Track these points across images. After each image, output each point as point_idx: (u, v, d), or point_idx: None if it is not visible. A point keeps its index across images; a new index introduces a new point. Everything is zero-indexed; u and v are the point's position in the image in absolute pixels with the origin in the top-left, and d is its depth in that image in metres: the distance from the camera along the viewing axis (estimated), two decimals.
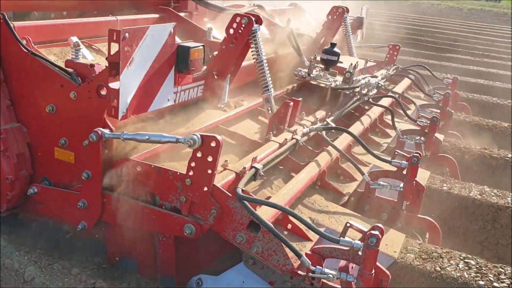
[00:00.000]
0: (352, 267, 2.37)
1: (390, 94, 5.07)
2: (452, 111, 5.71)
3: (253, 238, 2.45)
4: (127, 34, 2.33)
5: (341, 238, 2.33)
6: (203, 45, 2.92)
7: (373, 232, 2.24)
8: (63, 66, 2.75)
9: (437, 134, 4.78)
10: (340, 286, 2.35)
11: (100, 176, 2.65)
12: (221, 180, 2.63)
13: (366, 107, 4.88)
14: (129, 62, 2.41)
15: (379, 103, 4.77)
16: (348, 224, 2.41)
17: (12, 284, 2.75)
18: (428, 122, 4.47)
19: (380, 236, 2.23)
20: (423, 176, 4.09)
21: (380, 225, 2.32)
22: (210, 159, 2.39)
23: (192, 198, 2.50)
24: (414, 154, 3.33)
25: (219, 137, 2.36)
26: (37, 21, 3.59)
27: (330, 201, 3.21)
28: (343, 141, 3.77)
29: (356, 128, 4.20)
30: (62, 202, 2.83)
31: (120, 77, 2.37)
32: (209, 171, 2.41)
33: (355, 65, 4.58)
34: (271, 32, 5.31)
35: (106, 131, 2.57)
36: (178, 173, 2.50)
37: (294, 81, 4.71)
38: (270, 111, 3.70)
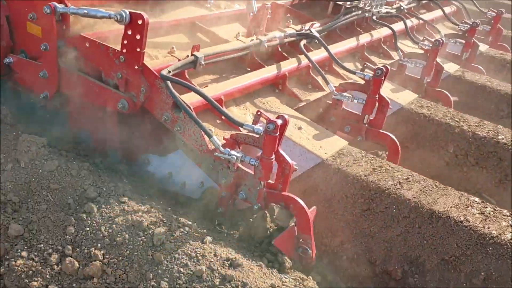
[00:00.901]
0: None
1: (398, 15, 4.79)
2: (479, 44, 5.32)
3: (176, 118, 2.60)
4: None
5: (246, 123, 2.42)
6: None
7: (273, 119, 2.30)
8: None
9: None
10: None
11: (55, 48, 2.87)
12: (161, 64, 2.76)
13: (378, 27, 4.70)
14: None
15: (387, 23, 4.56)
16: (258, 113, 2.48)
17: None
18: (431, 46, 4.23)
19: (278, 123, 2.30)
20: (407, 97, 3.97)
21: (286, 116, 2.37)
22: (138, 37, 2.51)
23: (126, 75, 2.66)
24: (379, 67, 3.24)
25: (145, 15, 2.46)
26: None
27: (284, 104, 3.25)
28: (322, 52, 3.71)
29: (348, 43, 4.10)
30: (30, 72, 3.10)
31: None
32: (138, 49, 2.54)
33: None
34: None
35: (59, 5, 2.75)
36: (116, 50, 2.65)
37: None
38: (251, 13, 3.69)
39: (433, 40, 4.27)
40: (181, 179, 2.97)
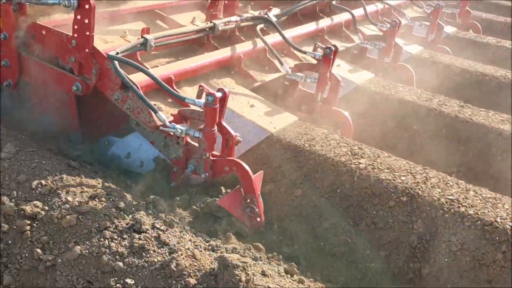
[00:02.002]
0: None
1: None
2: (443, 24, 5.46)
3: (125, 97, 2.74)
4: None
5: (187, 97, 2.56)
6: None
7: (211, 92, 2.45)
8: None
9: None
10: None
11: (14, 36, 3.01)
12: (112, 47, 2.90)
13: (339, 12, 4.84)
14: None
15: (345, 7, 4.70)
16: (200, 87, 2.63)
17: None
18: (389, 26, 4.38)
19: (217, 96, 2.44)
20: (365, 77, 4.12)
21: (226, 90, 2.52)
22: (86, 21, 2.65)
23: (79, 59, 2.81)
24: (328, 46, 3.38)
25: (92, 0, 2.60)
26: None
27: (239, 85, 3.39)
28: (277, 35, 3.84)
29: (306, 28, 4.25)
30: None
31: None
32: (87, 33, 2.69)
33: None
34: None
35: None
36: (69, 36, 2.80)
37: None
38: (208, 0, 3.83)
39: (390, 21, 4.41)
40: (137, 158, 3.12)
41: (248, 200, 2.55)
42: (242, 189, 2.57)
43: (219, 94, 2.47)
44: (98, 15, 3.36)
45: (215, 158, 2.61)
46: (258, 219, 2.58)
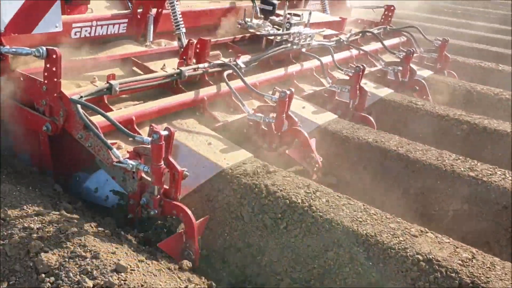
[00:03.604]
0: None
1: (326, 45, 5.26)
2: (415, 69, 5.74)
3: (88, 136, 3.04)
4: None
5: (136, 135, 2.85)
6: None
7: (157, 130, 2.73)
8: None
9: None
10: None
11: None
12: (80, 91, 3.23)
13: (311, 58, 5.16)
14: None
15: (315, 54, 5.04)
16: (150, 127, 2.91)
17: None
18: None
19: (161, 134, 2.72)
20: (325, 117, 4.37)
21: (172, 129, 2.80)
22: (54, 68, 3.00)
23: (49, 102, 3.14)
24: (284, 90, 3.67)
25: (58, 50, 2.96)
26: None
27: (202, 125, 3.68)
28: (249, 79, 4.17)
29: (275, 73, 4.58)
30: None
31: None
32: (55, 79, 3.03)
33: (292, 17, 4.90)
34: None
35: None
36: (41, 81, 3.14)
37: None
38: (181, 49, 4.19)
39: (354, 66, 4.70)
40: (103, 193, 3.39)
41: (188, 245, 2.79)
42: (184, 234, 2.81)
43: (164, 133, 2.75)
44: (78, 62, 3.76)
45: (166, 199, 2.86)
46: (193, 264, 2.78)
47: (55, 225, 2.63)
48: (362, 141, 4.08)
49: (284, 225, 2.94)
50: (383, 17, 7.03)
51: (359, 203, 3.07)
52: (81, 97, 3.04)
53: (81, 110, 2.95)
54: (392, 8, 6.96)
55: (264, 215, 2.99)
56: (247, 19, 4.99)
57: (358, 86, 4.64)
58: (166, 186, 2.91)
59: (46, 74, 3.06)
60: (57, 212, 2.80)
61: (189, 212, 2.81)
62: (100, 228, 2.74)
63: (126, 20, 4.20)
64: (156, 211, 2.88)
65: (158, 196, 2.87)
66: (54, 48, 2.97)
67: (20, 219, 2.66)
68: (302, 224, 2.90)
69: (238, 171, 3.23)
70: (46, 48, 2.98)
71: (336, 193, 3.17)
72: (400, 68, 5.64)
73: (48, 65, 3.03)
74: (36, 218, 2.70)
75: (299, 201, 2.99)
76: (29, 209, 2.78)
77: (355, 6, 7.32)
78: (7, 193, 2.91)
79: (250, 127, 3.92)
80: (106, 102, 3.36)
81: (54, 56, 2.97)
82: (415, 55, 6.08)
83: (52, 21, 3.43)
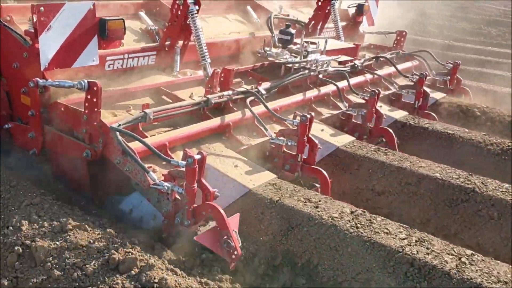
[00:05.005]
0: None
1: (341, 70, 5.50)
2: (429, 92, 5.94)
3: (125, 161, 3.29)
4: (42, 8, 3.29)
5: (172, 159, 3.09)
6: (122, 18, 3.81)
7: (191, 154, 2.96)
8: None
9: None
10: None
11: (39, 113, 3.66)
12: (117, 120, 3.50)
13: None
14: (47, 29, 3.37)
15: (333, 79, 5.28)
16: (184, 151, 3.14)
17: None
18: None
19: (195, 158, 2.95)
20: (344, 139, 4.58)
21: (204, 152, 3.03)
22: (95, 100, 3.28)
23: (89, 130, 3.41)
24: (304, 114, 3.90)
25: (98, 83, 3.23)
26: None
27: (228, 148, 3.91)
28: (270, 105, 4.41)
29: (294, 98, 4.81)
30: (22, 134, 3.89)
31: (38, 39, 3.35)
32: (96, 109, 3.30)
33: (310, 44, 5.16)
34: (258, 15, 6.08)
35: (40, 80, 3.55)
36: (81, 111, 3.41)
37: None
38: (207, 78, 4.46)
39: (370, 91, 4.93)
40: (138, 214, 3.62)
41: (225, 236, 2.97)
42: (217, 228, 2.99)
43: (197, 156, 2.98)
44: (112, 92, 4.04)
45: (195, 205, 3.07)
46: (236, 253, 2.96)
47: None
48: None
49: None
50: (395, 42, 7.28)
51: None
52: (119, 125, 3.31)
53: (120, 137, 3.21)
54: (404, 33, 7.21)
55: None
56: (267, 48, 5.26)
57: (374, 109, 4.85)
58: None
59: (87, 104, 3.34)
60: None
61: (217, 205, 2.97)
62: None
63: (155, 52, 4.49)
64: (190, 221, 3.07)
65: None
66: (95, 81, 3.25)
67: None
68: None
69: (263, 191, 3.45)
70: (88, 81, 3.26)
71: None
72: (414, 91, 5.84)
73: (89, 96, 3.30)
74: None
75: None
76: None
77: (368, 32, 7.58)
78: None
79: (272, 150, 4.14)
80: (141, 129, 3.62)
81: (95, 88, 3.24)
82: (428, 77, 6.30)
83: (90, 55, 3.73)
